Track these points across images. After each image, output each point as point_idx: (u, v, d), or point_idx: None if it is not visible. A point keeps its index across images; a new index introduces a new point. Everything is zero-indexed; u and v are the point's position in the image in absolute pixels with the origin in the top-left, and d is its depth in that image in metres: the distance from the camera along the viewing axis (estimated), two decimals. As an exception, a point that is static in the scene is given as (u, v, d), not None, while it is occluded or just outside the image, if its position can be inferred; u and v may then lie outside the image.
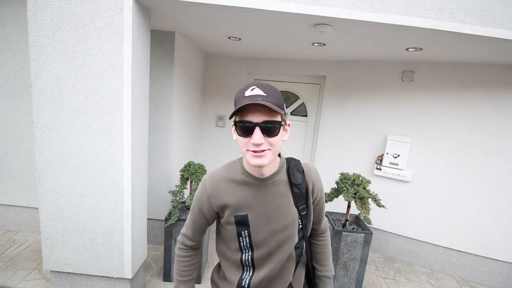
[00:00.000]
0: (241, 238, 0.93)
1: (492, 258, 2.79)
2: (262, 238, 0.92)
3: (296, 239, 0.96)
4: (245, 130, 0.80)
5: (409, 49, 2.37)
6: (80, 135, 1.83)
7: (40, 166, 1.87)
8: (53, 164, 1.87)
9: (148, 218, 2.72)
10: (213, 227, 1.06)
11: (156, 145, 2.77)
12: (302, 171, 0.96)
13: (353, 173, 2.46)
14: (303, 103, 3.78)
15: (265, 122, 0.79)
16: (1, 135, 2.83)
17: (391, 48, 2.42)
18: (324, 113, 3.43)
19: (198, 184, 2.44)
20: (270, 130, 0.80)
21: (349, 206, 2.48)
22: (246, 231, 0.92)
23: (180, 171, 2.53)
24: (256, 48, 3.01)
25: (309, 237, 1.06)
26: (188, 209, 2.60)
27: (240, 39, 2.62)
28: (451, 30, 1.71)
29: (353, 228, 2.47)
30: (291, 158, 1.00)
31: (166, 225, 2.32)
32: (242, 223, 0.91)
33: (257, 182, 0.91)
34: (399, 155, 2.97)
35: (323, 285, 1.09)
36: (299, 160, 1.00)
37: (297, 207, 0.94)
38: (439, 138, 2.87)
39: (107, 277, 2.06)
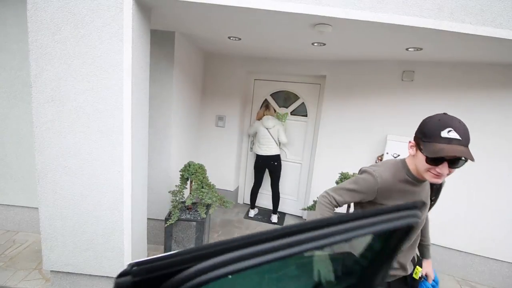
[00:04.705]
0: None
1: (492, 258, 2.79)
2: None
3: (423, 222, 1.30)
4: (435, 161, 0.98)
5: (409, 49, 2.37)
6: (80, 135, 1.83)
7: (40, 166, 1.87)
8: (53, 164, 1.87)
9: (148, 218, 2.71)
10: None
11: (156, 145, 2.77)
12: None
13: (353, 173, 2.46)
14: (303, 103, 3.78)
15: (455, 159, 0.96)
16: (1, 135, 2.83)
17: (391, 48, 2.42)
18: (324, 113, 3.42)
19: (197, 184, 2.44)
20: (456, 165, 0.98)
21: (349, 206, 2.48)
22: None
23: (180, 171, 2.53)
24: (256, 48, 3.01)
25: None
26: (188, 209, 2.60)
27: (240, 39, 2.62)
28: (451, 30, 1.71)
29: (353, 228, 2.47)
30: None
31: (166, 225, 2.32)
32: None
33: (416, 182, 1.14)
34: (399, 155, 2.97)
35: (426, 251, 1.44)
36: None
37: (430, 199, 1.24)
38: (439, 138, 2.86)
39: (107, 277, 2.07)
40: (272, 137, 3.53)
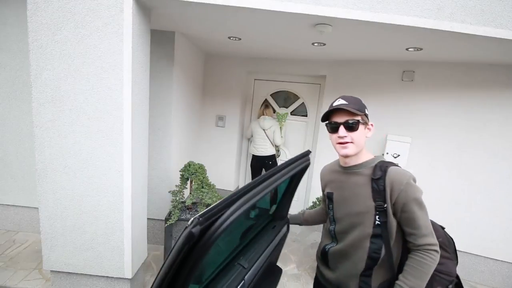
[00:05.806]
0: (329, 210, 1.23)
1: (492, 258, 2.79)
2: (340, 215, 1.18)
3: (369, 229, 1.08)
4: (333, 128, 1.11)
5: (409, 49, 2.37)
6: (80, 135, 1.83)
7: (40, 166, 1.87)
8: (53, 164, 1.87)
9: (148, 218, 2.72)
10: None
11: (156, 145, 2.77)
12: (384, 171, 1.08)
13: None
14: (303, 103, 3.78)
15: (347, 121, 1.08)
16: (1, 135, 2.83)
17: (391, 48, 2.41)
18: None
19: (197, 184, 2.45)
20: (351, 126, 1.08)
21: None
22: (331, 205, 1.22)
23: (180, 171, 2.53)
24: (256, 48, 3.01)
25: (408, 250, 1.07)
26: (188, 209, 2.61)
27: (240, 39, 2.62)
28: (451, 30, 1.71)
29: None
30: (385, 161, 1.14)
31: (166, 225, 2.32)
32: (329, 198, 1.23)
33: (341, 170, 1.20)
34: (399, 155, 2.97)
35: None
36: (391, 163, 1.12)
37: (374, 201, 1.07)
38: (439, 138, 2.87)
39: (107, 277, 2.06)
40: (268, 138, 3.56)
